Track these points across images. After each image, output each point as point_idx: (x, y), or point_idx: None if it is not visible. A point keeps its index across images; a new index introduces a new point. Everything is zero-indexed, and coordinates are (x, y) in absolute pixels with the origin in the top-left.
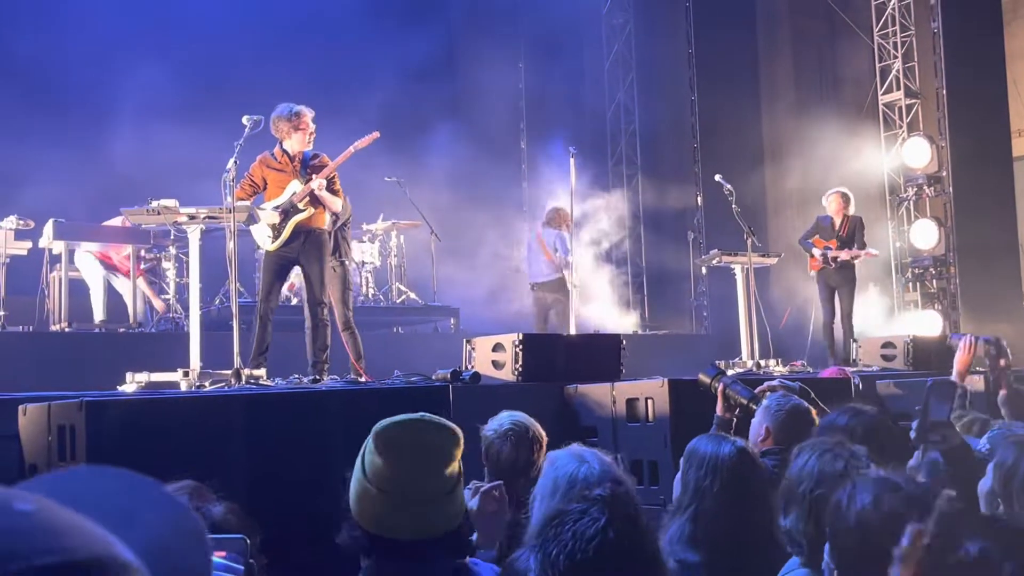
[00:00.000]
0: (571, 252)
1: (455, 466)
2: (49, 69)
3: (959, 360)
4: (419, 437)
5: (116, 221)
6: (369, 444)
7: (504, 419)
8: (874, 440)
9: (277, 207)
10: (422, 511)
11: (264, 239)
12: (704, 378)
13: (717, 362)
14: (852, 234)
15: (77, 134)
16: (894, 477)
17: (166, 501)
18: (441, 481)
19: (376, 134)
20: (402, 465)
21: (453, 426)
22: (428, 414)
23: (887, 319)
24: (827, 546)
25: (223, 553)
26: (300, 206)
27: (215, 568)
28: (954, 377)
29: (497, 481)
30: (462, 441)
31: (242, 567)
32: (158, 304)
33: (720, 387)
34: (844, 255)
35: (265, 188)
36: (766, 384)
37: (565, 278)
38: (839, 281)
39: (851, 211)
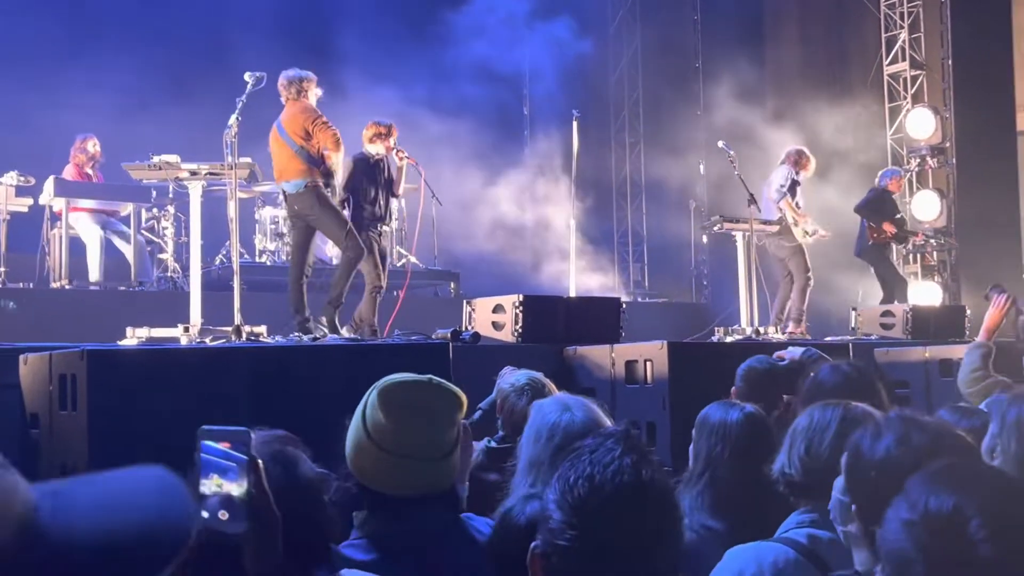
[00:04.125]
0: (783, 192)
1: (455, 430)
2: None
3: (990, 316)
4: (425, 399)
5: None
6: (373, 399)
7: (521, 376)
8: (857, 394)
9: None
10: (419, 469)
11: None
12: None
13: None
14: None
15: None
16: (919, 416)
17: None
18: (441, 442)
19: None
20: (405, 425)
21: (458, 391)
22: (435, 376)
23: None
24: (840, 482)
25: (227, 444)
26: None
27: (218, 456)
28: (981, 334)
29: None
30: (465, 406)
31: (245, 457)
32: None
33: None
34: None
35: None
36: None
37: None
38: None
39: None
